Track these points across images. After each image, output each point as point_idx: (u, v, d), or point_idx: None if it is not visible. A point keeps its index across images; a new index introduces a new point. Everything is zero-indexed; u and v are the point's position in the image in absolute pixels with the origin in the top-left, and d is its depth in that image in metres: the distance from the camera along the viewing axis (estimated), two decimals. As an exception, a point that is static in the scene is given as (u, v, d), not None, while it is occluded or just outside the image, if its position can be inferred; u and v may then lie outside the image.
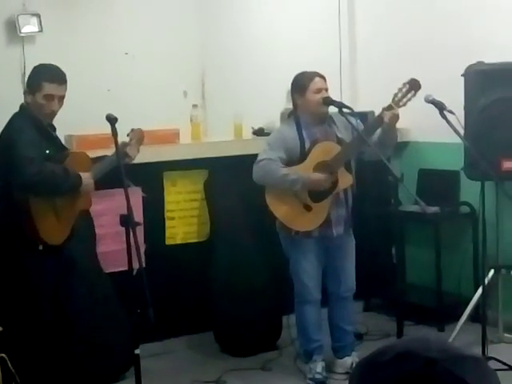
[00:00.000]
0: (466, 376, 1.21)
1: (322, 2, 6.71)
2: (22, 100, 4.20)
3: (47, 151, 4.06)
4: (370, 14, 6.33)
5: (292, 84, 4.67)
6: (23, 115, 4.12)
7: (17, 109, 4.21)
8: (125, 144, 4.17)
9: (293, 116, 4.69)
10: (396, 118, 4.44)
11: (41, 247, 4.04)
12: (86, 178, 4.09)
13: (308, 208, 4.58)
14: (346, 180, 4.60)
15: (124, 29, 7.80)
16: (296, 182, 4.51)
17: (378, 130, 4.52)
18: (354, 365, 4.35)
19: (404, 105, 4.45)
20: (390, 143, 4.60)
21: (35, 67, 4.25)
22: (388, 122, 4.42)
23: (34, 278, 4.11)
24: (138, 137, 4.28)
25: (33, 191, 3.94)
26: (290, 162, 4.57)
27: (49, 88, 4.07)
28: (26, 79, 4.35)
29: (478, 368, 1.25)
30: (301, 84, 4.60)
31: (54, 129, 4.23)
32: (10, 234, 4.06)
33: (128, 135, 4.22)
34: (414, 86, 4.45)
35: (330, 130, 4.65)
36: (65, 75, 4.15)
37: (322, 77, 4.61)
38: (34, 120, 4.09)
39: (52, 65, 4.20)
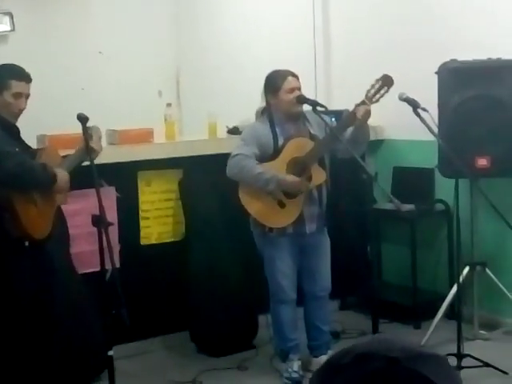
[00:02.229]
0: (429, 374, 1.20)
1: (297, 2, 6.71)
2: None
3: (16, 149, 4.03)
4: (344, 12, 6.34)
5: (265, 83, 4.67)
6: None
7: None
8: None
9: (266, 113, 4.68)
10: (368, 114, 4.44)
11: (27, 243, 3.99)
12: (61, 173, 4.07)
13: (281, 204, 4.57)
14: (319, 176, 4.59)
15: (98, 28, 7.78)
16: (270, 181, 4.49)
17: (351, 128, 4.52)
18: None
19: (377, 101, 4.45)
20: (362, 140, 4.60)
21: None
22: (360, 118, 4.42)
23: (17, 280, 4.05)
24: (98, 133, 4.28)
25: (13, 184, 3.89)
26: (263, 158, 4.55)
27: (17, 86, 4.06)
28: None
29: (440, 366, 1.24)
30: (274, 83, 4.60)
31: (18, 130, 4.19)
32: None
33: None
34: (386, 81, 4.45)
35: (304, 127, 4.64)
36: (30, 74, 4.14)
37: (295, 76, 4.60)
38: (0, 120, 4.05)
39: (15, 64, 4.19)
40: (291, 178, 4.51)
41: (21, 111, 4.12)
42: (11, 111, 4.08)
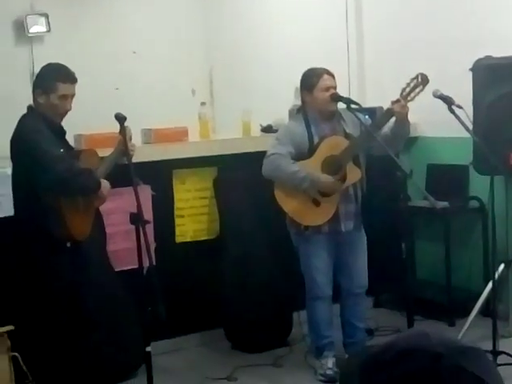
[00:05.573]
0: (473, 369, 1.19)
1: (329, -1, 6.72)
2: (31, 99, 4.21)
3: (61, 150, 4.09)
4: (378, 9, 6.33)
5: (301, 81, 4.68)
6: (34, 116, 4.12)
7: (25, 108, 4.22)
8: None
9: (301, 112, 4.69)
10: (405, 109, 4.43)
11: (69, 244, 4.07)
12: (105, 182, 4.16)
13: (317, 203, 4.58)
14: (354, 174, 4.60)
15: (132, 28, 7.83)
16: (304, 180, 4.51)
17: (391, 124, 4.52)
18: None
19: (412, 99, 4.44)
20: (402, 135, 4.60)
21: (45, 67, 4.24)
22: (400, 112, 4.40)
23: (55, 278, 4.12)
24: (129, 133, 4.27)
25: (63, 189, 3.98)
26: (298, 157, 4.57)
27: (63, 88, 4.10)
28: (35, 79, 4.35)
29: (480, 359, 1.23)
30: (309, 81, 4.61)
31: (64, 130, 4.25)
32: (34, 237, 4.07)
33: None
34: (422, 80, 4.43)
35: (339, 125, 4.65)
36: (75, 74, 4.18)
37: (331, 74, 4.61)
38: (46, 120, 4.10)
39: (61, 64, 4.22)
40: (325, 177, 4.52)
41: (66, 112, 4.17)
42: (57, 113, 4.14)
